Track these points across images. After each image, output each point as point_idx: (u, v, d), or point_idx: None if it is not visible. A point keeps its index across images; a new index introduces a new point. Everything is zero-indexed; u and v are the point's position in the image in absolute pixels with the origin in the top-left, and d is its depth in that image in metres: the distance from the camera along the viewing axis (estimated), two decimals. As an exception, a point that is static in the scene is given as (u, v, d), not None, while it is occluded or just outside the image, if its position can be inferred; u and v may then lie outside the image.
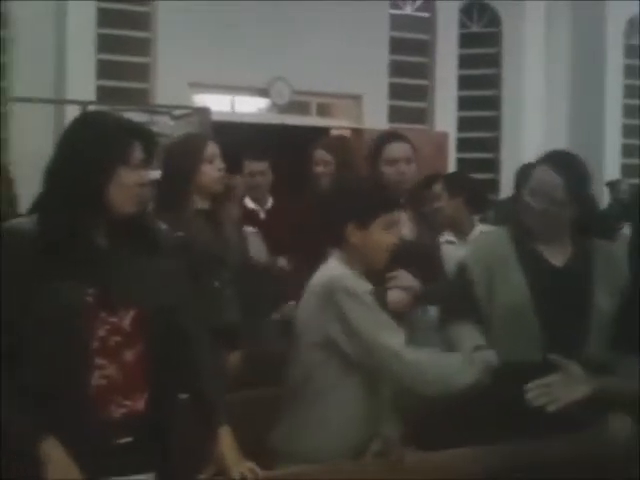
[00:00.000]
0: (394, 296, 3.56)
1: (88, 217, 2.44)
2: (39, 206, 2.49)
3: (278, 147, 8.02)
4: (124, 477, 2.44)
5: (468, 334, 3.07)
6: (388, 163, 4.00)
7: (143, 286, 2.48)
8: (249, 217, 5.10)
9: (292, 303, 4.31)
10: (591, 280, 3.14)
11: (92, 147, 2.44)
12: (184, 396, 2.69)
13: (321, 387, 3.02)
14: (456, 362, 2.97)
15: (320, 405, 3.03)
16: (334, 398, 3.01)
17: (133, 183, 2.47)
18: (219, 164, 3.72)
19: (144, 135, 2.52)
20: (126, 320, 2.46)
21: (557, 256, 3.17)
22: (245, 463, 2.56)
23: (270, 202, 5.39)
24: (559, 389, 2.69)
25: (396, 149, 4.04)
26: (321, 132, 9.90)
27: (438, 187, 4.84)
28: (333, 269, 3.06)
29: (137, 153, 2.48)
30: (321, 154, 4.54)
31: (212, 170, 3.70)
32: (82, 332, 2.40)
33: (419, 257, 3.67)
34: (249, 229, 4.83)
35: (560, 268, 3.16)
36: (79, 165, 2.43)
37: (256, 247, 4.71)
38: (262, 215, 5.29)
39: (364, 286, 3.02)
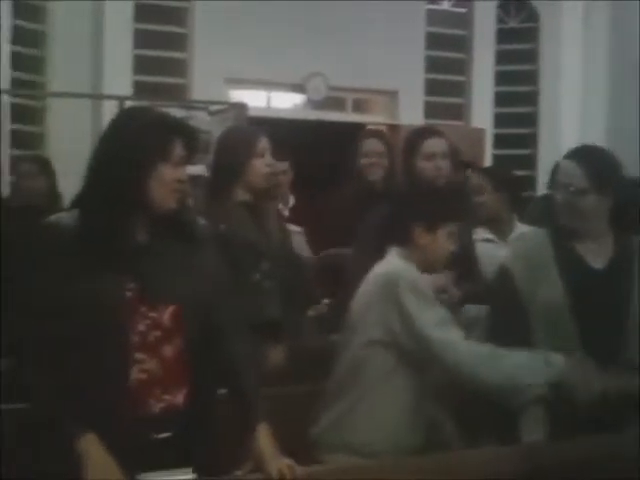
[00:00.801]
0: None
1: (128, 213, 2.46)
2: (80, 201, 2.49)
3: (313, 143, 8.02)
4: (163, 472, 2.44)
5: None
6: (425, 158, 4.00)
7: (182, 281, 2.50)
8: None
9: (326, 301, 4.31)
10: (630, 282, 3.11)
11: (133, 143, 2.46)
12: (222, 392, 2.70)
13: (372, 380, 3.04)
14: (525, 359, 2.93)
15: (370, 397, 3.04)
16: (384, 391, 3.02)
17: (173, 179, 2.49)
18: (269, 159, 3.72)
19: (185, 131, 2.54)
20: (165, 315, 2.48)
21: (597, 257, 3.16)
22: (283, 459, 2.56)
23: (292, 200, 5.37)
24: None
25: (433, 144, 4.03)
26: (357, 128, 9.90)
27: (476, 178, 4.69)
28: (396, 264, 3.08)
29: (178, 149, 2.49)
30: (373, 144, 4.52)
31: (261, 165, 3.71)
32: (122, 327, 2.42)
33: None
34: (294, 227, 4.81)
35: (598, 270, 3.14)
36: (120, 161, 2.44)
37: (299, 246, 4.69)
38: (286, 214, 5.29)
39: (426, 281, 3.04)
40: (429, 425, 3.12)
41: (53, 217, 2.54)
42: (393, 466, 2.86)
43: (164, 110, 2.72)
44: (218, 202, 3.68)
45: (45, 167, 5.88)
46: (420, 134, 4.20)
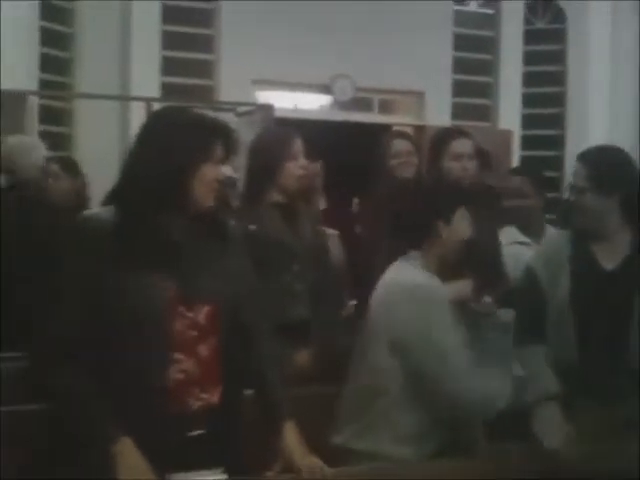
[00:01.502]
0: None
1: (169, 212, 2.47)
2: (117, 198, 2.50)
3: (340, 144, 8.02)
4: (194, 472, 2.45)
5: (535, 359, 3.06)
6: (453, 158, 4.00)
7: (217, 281, 2.52)
8: None
9: (353, 302, 4.30)
10: (635, 284, 3.09)
11: (176, 143, 2.48)
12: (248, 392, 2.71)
13: (390, 386, 3.01)
14: (501, 385, 2.95)
15: (385, 404, 3.02)
16: (402, 397, 3.00)
17: (213, 179, 2.52)
18: (302, 161, 3.72)
19: (224, 131, 2.56)
20: (201, 314, 2.50)
21: (609, 258, 3.16)
22: (312, 458, 2.57)
23: (323, 203, 5.37)
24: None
25: (461, 145, 4.04)
26: (383, 129, 9.89)
27: (518, 181, 4.64)
28: (414, 273, 3.06)
29: (218, 149, 2.51)
30: (402, 144, 4.53)
31: (294, 167, 3.72)
32: (162, 327, 2.43)
33: (480, 256, 3.66)
34: (330, 230, 4.79)
35: (607, 270, 3.14)
36: (163, 160, 2.46)
37: (334, 249, 4.67)
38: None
39: (443, 291, 3.02)
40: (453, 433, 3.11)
41: (90, 213, 2.55)
42: (418, 469, 2.86)
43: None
44: (252, 204, 3.69)
45: (73, 168, 5.90)
46: (448, 134, 4.22)
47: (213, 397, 2.51)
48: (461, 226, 3.14)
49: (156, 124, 2.58)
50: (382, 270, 3.24)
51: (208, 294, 2.50)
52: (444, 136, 4.17)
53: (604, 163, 3.18)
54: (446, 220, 3.12)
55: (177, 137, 2.49)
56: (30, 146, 4.74)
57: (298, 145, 3.75)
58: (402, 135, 4.80)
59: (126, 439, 2.36)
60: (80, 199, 5.59)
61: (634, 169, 3.20)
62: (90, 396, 2.39)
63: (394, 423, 3.01)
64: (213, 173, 2.52)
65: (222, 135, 2.55)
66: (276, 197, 3.72)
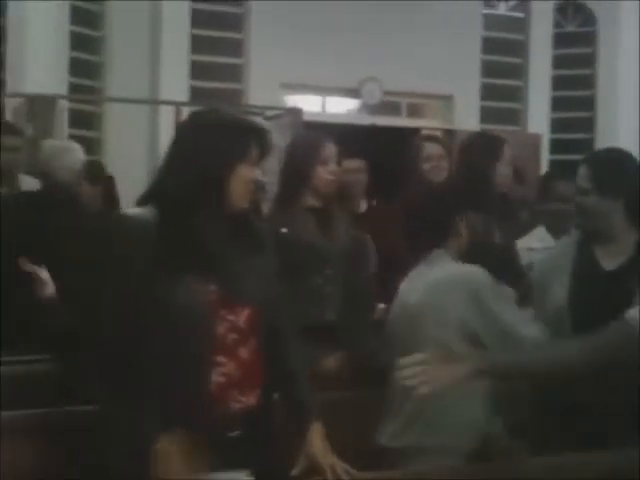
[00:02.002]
0: None
1: (207, 212, 2.48)
2: (154, 198, 2.50)
3: (368, 148, 8.00)
4: (221, 472, 2.46)
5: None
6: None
7: (255, 283, 2.54)
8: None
9: (383, 306, 4.29)
10: (636, 284, 3.08)
11: (212, 144, 2.49)
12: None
13: None
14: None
15: (440, 400, 3.02)
16: (457, 394, 3.00)
17: (250, 179, 2.53)
18: (333, 167, 3.73)
19: (260, 133, 2.57)
20: (242, 317, 2.51)
21: (611, 259, 3.18)
22: (336, 460, 2.57)
23: (364, 205, 5.36)
24: (434, 369, 2.53)
25: (430, 147, 4.09)
26: (411, 133, 9.88)
27: (562, 186, 4.63)
28: (458, 265, 3.09)
29: (254, 150, 2.52)
30: (434, 148, 4.55)
31: (325, 173, 3.72)
32: (204, 329, 2.43)
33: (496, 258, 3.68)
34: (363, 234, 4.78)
35: (607, 271, 3.17)
36: (199, 160, 2.48)
37: (368, 252, 4.67)
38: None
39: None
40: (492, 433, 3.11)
41: (130, 213, 2.55)
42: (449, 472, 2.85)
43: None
44: (285, 207, 3.70)
45: (100, 172, 5.93)
46: (500, 140, 4.29)
47: (251, 399, 2.52)
48: (478, 221, 3.19)
49: (193, 126, 2.60)
50: (402, 270, 3.24)
51: (248, 296, 2.51)
52: (498, 142, 4.25)
53: (607, 165, 3.19)
54: (465, 216, 3.16)
55: (213, 138, 2.50)
56: (67, 149, 4.77)
57: (330, 150, 3.75)
58: (433, 139, 4.82)
59: (166, 437, 2.37)
60: (108, 202, 5.61)
61: (638, 170, 3.21)
62: (132, 396, 2.40)
63: (459, 415, 3.02)
64: (249, 174, 2.53)
65: (257, 136, 2.56)
66: (310, 201, 3.72)
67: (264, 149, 2.58)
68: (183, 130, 2.62)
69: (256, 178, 2.57)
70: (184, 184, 2.46)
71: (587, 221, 3.19)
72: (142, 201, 2.55)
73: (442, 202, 3.25)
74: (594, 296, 3.10)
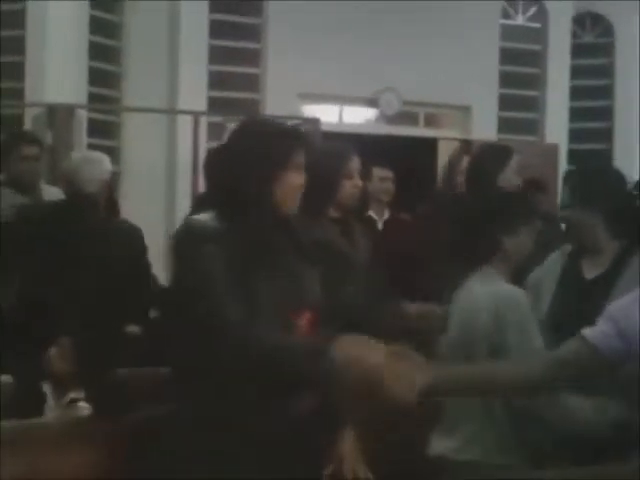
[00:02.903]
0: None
1: (267, 218, 2.53)
2: (213, 204, 2.54)
3: (385, 158, 8.01)
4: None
5: None
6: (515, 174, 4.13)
7: (311, 287, 2.59)
8: (368, 226, 5.10)
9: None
10: (612, 294, 3.12)
11: (265, 151, 2.60)
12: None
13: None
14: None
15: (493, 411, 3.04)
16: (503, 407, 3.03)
17: (296, 184, 2.63)
18: (357, 180, 3.76)
19: (301, 139, 2.67)
20: (303, 321, 2.54)
21: (593, 269, 3.27)
22: (361, 466, 2.61)
23: (387, 214, 5.39)
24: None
25: (517, 161, 4.18)
26: (429, 143, 9.89)
27: None
28: (502, 284, 3.12)
29: (299, 156, 2.60)
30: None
31: (350, 186, 3.75)
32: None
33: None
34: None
35: (587, 281, 3.22)
36: (253, 167, 2.58)
37: None
38: (379, 226, 5.30)
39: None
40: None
41: (195, 219, 2.60)
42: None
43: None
44: (311, 218, 3.73)
45: None
46: (507, 150, 4.33)
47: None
48: (527, 240, 3.20)
49: (242, 134, 2.70)
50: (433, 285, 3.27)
51: (307, 300, 2.57)
52: (508, 152, 4.29)
53: (586, 179, 3.33)
54: (511, 234, 3.15)
55: (264, 145, 2.61)
56: (95, 161, 4.82)
57: (354, 163, 3.77)
58: (469, 151, 4.86)
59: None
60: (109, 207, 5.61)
61: (619, 183, 3.29)
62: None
63: (501, 431, 3.04)
64: (296, 179, 2.64)
65: (299, 141, 2.69)
66: (332, 213, 3.74)
67: (304, 155, 2.70)
68: (234, 138, 2.71)
69: (301, 183, 2.67)
70: (243, 192, 2.54)
71: (572, 234, 3.33)
72: (200, 207, 2.61)
73: (485, 217, 3.27)
74: (574, 306, 3.19)
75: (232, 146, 2.69)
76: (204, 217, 2.58)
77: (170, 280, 2.70)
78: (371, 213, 5.32)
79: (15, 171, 5.41)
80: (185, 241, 2.55)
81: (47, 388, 3.34)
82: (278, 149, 2.60)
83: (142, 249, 4.82)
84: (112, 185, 5.79)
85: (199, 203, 2.64)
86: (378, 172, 5.38)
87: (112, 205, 4.94)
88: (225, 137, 2.76)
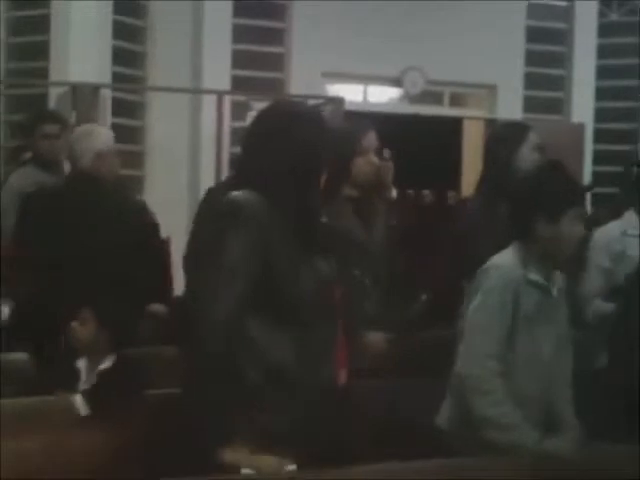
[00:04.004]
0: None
1: (315, 196, 2.65)
2: (255, 181, 2.56)
3: (410, 137, 7.99)
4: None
5: None
6: (534, 149, 4.02)
7: (341, 263, 2.61)
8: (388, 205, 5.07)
9: (424, 297, 4.29)
10: None
11: (311, 139, 2.71)
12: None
13: None
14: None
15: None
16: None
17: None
18: (372, 157, 3.72)
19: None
20: (335, 297, 2.60)
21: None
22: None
23: (394, 194, 5.36)
24: None
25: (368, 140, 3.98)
26: (454, 123, 9.83)
27: None
28: (502, 257, 3.08)
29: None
30: None
31: (365, 163, 3.71)
32: (319, 308, 2.51)
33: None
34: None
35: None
36: (307, 150, 2.68)
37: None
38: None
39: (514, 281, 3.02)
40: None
41: (237, 195, 2.61)
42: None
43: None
44: (326, 198, 3.71)
45: None
46: (523, 127, 4.27)
47: (341, 377, 2.63)
48: (572, 228, 3.08)
49: (287, 118, 2.75)
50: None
51: (339, 277, 2.61)
52: (524, 127, 4.22)
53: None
54: (551, 219, 3.06)
55: (310, 134, 2.72)
56: (89, 133, 4.74)
57: (368, 140, 3.74)
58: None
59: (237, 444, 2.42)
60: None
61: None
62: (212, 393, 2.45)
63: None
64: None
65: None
66: (348, 191, 3.72)
67: None
68: (274, 121, 2.75)
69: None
70: (294, 169, 2.62)
71: None
72: (238, 183, 2.61)
73: (523, 198, 3.19)
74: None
75: (273, 128, 2.71)
76: (244, 193, 2.58)
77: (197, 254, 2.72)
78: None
79: (38, 149, 5.51)
80: (230, 217, 2.55)
81: (81, 363, 3.36)
82: (324, 138, 2.75)
83: (149, 225, 4.75)
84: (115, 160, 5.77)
85: (235, 182, 2.62)
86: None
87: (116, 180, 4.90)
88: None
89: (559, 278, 3.18)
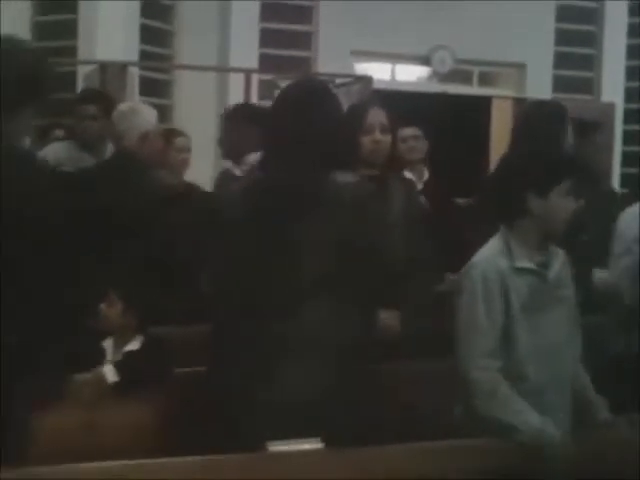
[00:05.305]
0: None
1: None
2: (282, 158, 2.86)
3: (438, 116, 7.93)
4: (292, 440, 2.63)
5: None
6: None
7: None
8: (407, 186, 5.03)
9: (454, 277, 4.24)
10: None
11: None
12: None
13: None
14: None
15: None
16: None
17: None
18: (377, 135, 3.67)
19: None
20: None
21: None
22: None
23: (426, 175, 5.31)
24: None
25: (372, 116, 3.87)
26: (483, 102, 9.77)
27: None
28: (486, 252, 3.02)
29: None
30: None
31: (369, 142, 3.68)
32: None
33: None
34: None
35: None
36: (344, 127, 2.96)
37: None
38: (419, 186, 5.21)
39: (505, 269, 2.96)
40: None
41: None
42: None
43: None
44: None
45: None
46: (564, 108, 4.24)
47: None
48: (563, 202, 2.99)
49: (323, 97, 3.02)
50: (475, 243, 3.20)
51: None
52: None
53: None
54: (540, 194, 2.98)
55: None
56: (134, 111, 4.71)
57: (373, 118, 3.69)
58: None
59: None
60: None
61: None
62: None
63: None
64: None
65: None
66: (363, 170, 3.68)
67: None
68: (313, 101, 2.97)
69: None
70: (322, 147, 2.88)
71: None
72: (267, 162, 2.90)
73: (508, 175, 3.12)
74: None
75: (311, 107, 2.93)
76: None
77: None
78: (409, 175, 5.21)
79: (77, 129, 5.50)
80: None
81: (107, 344, 3.38)
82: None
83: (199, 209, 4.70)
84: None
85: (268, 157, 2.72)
86: (403, 132, 5.27)
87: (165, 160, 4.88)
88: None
89: (559, 262, 3.07)
